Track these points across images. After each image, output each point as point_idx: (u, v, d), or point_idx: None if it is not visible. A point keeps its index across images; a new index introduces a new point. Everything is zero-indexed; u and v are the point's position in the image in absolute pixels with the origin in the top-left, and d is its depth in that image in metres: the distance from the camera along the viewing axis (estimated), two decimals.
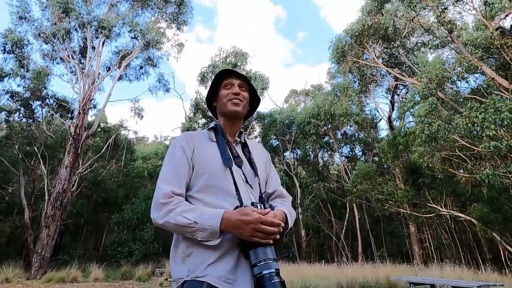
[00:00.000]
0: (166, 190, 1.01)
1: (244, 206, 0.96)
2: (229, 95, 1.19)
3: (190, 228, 0.94)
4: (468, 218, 11.09)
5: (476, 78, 12.04)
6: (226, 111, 1.20)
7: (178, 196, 1.02)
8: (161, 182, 1.04)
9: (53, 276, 10.13)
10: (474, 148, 9.19)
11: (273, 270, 0.86)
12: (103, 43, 16.00)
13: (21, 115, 17.61)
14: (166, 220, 0.96)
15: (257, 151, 1.26)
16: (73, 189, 15.55)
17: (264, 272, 0.85)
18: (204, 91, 20.86)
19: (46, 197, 13.23)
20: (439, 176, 11.35)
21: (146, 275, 11.38)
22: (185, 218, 0.94)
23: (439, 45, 15.05)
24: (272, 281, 0.83)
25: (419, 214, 12.63)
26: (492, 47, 9.88)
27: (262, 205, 1.00)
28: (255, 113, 22.26)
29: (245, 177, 1.11)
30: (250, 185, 1.10)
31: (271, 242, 0.92)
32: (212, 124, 1.24)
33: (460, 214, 11.53)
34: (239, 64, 19.64)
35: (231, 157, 1.11)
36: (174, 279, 0.99)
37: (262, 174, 1.20)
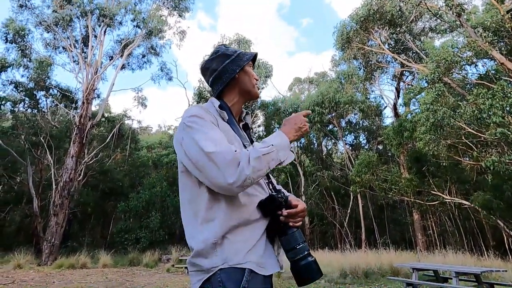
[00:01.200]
0: (226, 147, 0.88)
1: (272, 194, 1.00)
2: (254, 80, 1.17)
3: (273, 153, 0.91)
4: (472, 205, 11.08)
5: (485, 63, 11.76)
6: (255, 94, 1.18)
7: None
8: (208, 147, 0.87)
9: (63, 262, 10.43)
10: (481, 135, 9.08)
11: (306, 252, 0.93)
12: (105, 31, 15.86)
13: (26, 105, 17.73)
14: (254, 160, 0.86)
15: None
16: (79, 179, 15.80)
17: (299, 256, 0.92)
18: None
19: (54, 186, 13.46)
20: (444, 163, 11.29)
21: (153, 261, 11.65)
22: (262, 148, 0.90)
23: (448, 29, 14.66)
24: (308, 261, 0.91)
25: (423, 202, 12.64)
26: (502, 30, 9.60)
27: (273, 188, 1.08)
28: (259, 101, 22.23)
29: None
30: None
31: (298, 228, 0.98)
32: (218, 102, 1.10)
33: (464, 202, 11.52)
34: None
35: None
36: (204, 269, 0.89)
37: None
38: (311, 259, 0.92)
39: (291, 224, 0.96)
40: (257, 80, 1.19)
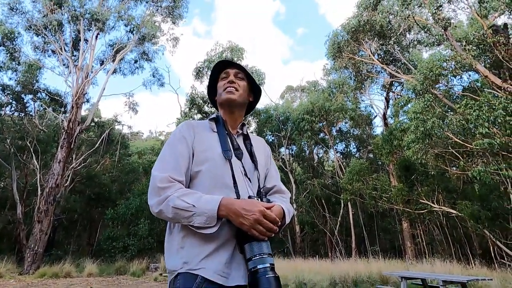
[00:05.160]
0: (163, 175, 0.97)
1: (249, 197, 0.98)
2: (224, 85, 1.18)
3: (187, 212, 0.90)
4: (460, 214, 11.27)
5: (470, 75, 12.15)
6: (221, 100, 1.19)
7: (178, 182, 0.98)
8: (156, 170, 1.00)
9: (46, 271, 10.08)
10: (467, 145, 9.31)
11: (268, 265, 0.84)
12: (97, 36, 15.75)
13: (12, 108, 17.33)
14: (164, 205, 0.92)
15: (258, 145, 1.25)
16: (66, 184, 15.43)
17: (258, 267, 0.84)
18: (199, 86, 20.80)
19: (39, 192, 13.10)
20: (432, 172, 11.49)
21: (140, 270, 11.39)
22: (183, 201, 0.91)
23: (435, 42, 15.14)
24: (266, 275, 0.82)
25: (411, 211, 12.79)
26: (485, 44, 9.97)
27: (259, 199, 0.99)
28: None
29: (244, 170, 1.09)
30: (249, 178, 1.08)
31: (266, 238, 0.91)
32: (213, 115, 1.21)
33: (451, 210, 11.71)
34: (235, 59, 19.53)
35: (231, 148, 1.09)
36: (169, 271, 0.97)
37: (262, 168, 1.18)
38: (273, 274, 0.83)
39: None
40: (230, 82, 1.18)
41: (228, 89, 1.17)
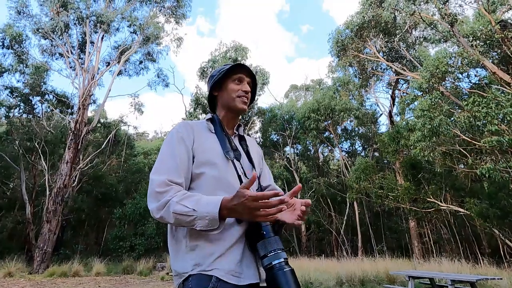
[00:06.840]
0: (161, 178, 0.94)
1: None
2: (239, 92, 1.17)
3: (188, 216, 0.88)
4: (468, 212, 11.12)
5: (477, 72, 11.96)
6: (234, 107, 1.17)
7: (177, 185, 0.96)
8: (154, 173, 0.97)
9: (55, 270, 10.22)
10: (475, 142, 9.18)
11: (282, 260, 0.87)
12: (102, 38, 15.91)
13: (21, 110, 17.58)
14: (165, 211, 0.90)
15: (252, 145, 1.26)
16: (74, 185, 15.61)
17: (274, 263, 0.86)
18: (204, 86, 20.82)
19: (47, 193, 13.28)
20: (439, 170, 11.35)
21: (147, 269, 11.49)
22: (183, 206, 0.89)
23: (441, 39, 14.93)
24: (284, 270, 0.85)
25: (418, 209, 12.66)
26: (492, 40, 9.80)
27: None
28: (256, 108, 22.33)
29: (243, 171, 1.10)
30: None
31: (274, 222, 0.93)
32: (209, 115, 1.20)
33: (459, 209, 11.56)
34: (239, 59, 19.54)
35: (231, 149, 1.10)
36: (177, 273, 0.95)
37: (257, 169, 1.20)
38: (288, 268, 0.85)
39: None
40: (246, 92, 1.18)
41: (244, 99, 1.17)
